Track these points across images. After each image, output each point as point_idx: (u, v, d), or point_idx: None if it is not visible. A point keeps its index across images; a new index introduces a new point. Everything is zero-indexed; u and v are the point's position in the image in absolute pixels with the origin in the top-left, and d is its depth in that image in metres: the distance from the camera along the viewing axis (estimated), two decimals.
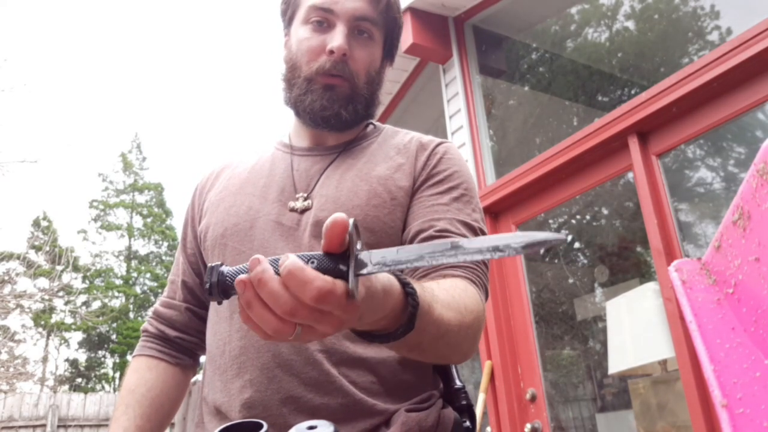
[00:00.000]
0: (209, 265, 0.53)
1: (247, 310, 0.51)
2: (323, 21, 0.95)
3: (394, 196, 0.91)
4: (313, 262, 0.50)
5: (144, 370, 1.01)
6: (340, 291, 0.49)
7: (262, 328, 0.52)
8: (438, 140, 1.01)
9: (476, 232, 0.90)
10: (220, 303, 0.55)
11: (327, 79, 0.94)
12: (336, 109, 0.95)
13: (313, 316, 0.50)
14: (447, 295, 0.71)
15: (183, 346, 1.05)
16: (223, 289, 0.54)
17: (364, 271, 0.51)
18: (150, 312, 1.09)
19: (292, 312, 0.49)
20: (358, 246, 0.52)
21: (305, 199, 0.94)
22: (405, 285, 0.61)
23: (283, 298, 0.49)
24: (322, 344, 0.83)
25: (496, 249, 0.49)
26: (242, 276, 0.51)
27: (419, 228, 0.88)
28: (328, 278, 0.49)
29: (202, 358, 1.05)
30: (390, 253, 0.51)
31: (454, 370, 0.98)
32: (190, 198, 1.11)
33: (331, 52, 0.93)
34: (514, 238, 0.49)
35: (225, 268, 0.54)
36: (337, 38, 0.93)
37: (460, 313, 0.73)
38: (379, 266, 0.51)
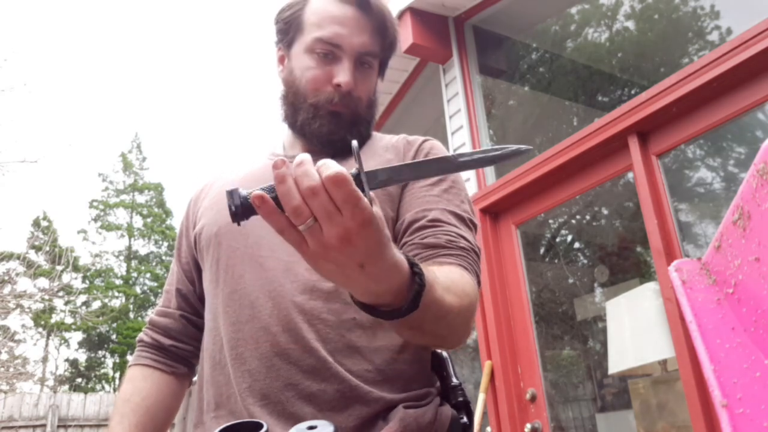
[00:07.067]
0: (227, 190, 0.57)
1: (279, 186, 0.55)
2: (329, 54, 0.99)
3: (386, 190, 0.95)
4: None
5: (139, 380, 1.03)
6: (352, 183, 0.54)
7: (282, 220, 0.56)
8: (423, 138, 1.07)
9: (465, 221, 0.95)
10: (239, 224, 0.59)
11: (333, 107, 0.99)
12: (342, 134, 1.00)
13: (328, 205, 0.55)
14: (447, 279, 0.76)
15: (178, 354, 1.06)
16: (247, 207, 0.57)
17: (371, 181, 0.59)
18: (146, 322, 1.11)
19: (313, 191, 0.54)
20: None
21: None
22: (413, 265, 0.65)
23: (310, 177, 0.54)
24: (317, 334, 0.86)
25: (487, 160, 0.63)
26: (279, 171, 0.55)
27: (413, 218, 0.92)
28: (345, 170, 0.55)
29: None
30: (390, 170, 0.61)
31: (450, 368, 1.00)
32: (185, 210, 1.15)
33: (338, 85, 0.97)
34: (494, 150, 0.62)
35: (242, 191, 0.58)
36: (343, 74, 0.97)
37: (458, 296, 0.77)
38: (386, 174, 0.60)
